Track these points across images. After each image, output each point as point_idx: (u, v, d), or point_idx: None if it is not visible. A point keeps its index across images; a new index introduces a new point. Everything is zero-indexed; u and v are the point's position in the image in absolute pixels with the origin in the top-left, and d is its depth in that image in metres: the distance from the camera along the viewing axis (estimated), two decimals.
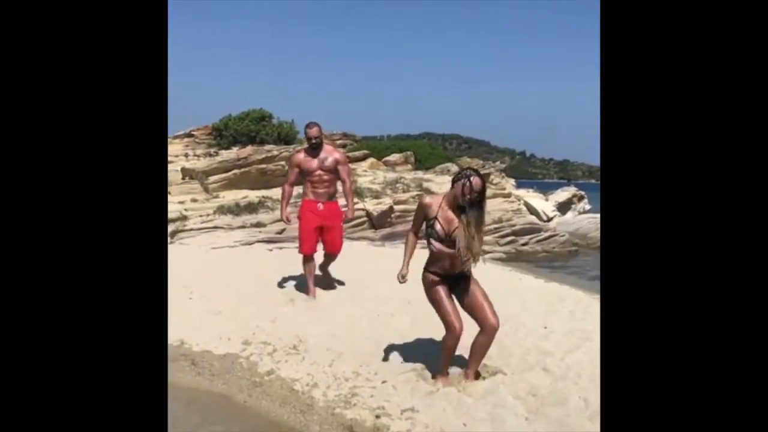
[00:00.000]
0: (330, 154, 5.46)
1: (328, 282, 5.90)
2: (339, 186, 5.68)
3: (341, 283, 6.02)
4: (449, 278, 3.56)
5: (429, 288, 3.58)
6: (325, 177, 5.42)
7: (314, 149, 5.39)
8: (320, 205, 5.42)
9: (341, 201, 5.76)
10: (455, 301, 3.59)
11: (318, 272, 5.73)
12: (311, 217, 5.40)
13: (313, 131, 5.37)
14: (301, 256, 5.56)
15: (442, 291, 3.54)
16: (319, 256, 5.68)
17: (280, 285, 5.98)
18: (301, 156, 5.48)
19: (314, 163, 5.38)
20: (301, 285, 5.81)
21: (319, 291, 5.67)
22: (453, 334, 3.53)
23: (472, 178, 3.35)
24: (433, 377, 3.67)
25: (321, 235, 5.49)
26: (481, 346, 3.60)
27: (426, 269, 3.60)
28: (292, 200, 5.82)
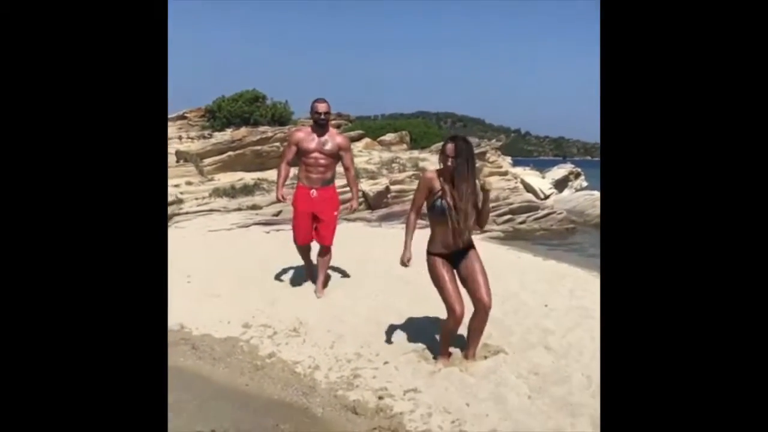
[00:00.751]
0: (332, 138, 5.03)
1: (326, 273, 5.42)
2: (338, 169, 5.28)
3: (340, 264, 5.99)
4: (452, 255, 3.52)
5: (433, 270, 3.55)
6: (322, 161, 4.98)
7: (320, 127, 4.96)
8: (313, 192, 5.00)
9: (339, 182, 5.43)
10: (458, 281, 3.56)
11: (315, 261, 5.36)
12: (303, 205, 5.04)
13: (322, 106, 4.96)
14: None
15: (445, 273, 3.49)
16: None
17: (279, 267, 5.95)
18: (301, 134, 5.04)
19: (313, 143, 4.94)
20: (300, 267, 5.77)
21: None
22: (454, 317, 3.49)
23: (446, 145, 3.36)
24: (435, 358, 3.67)
25: (315, 223, 5.12)
26: (476, 329, 3.61)
27: (429, 251, 3.57)
28: (288, 182, 5.54)
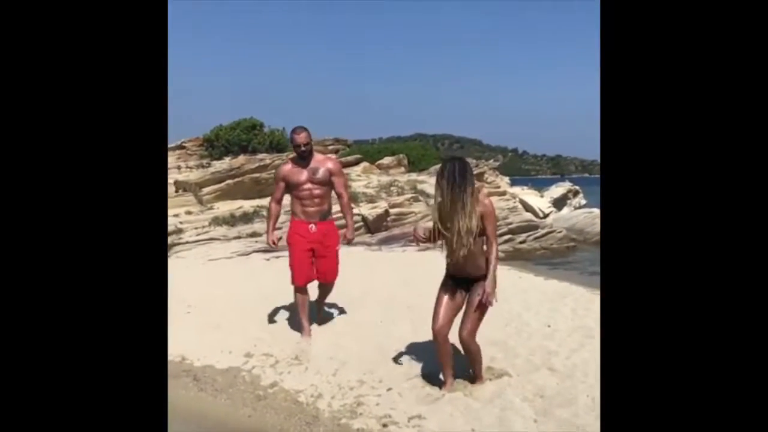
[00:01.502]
0: (321, 164, 4.58)
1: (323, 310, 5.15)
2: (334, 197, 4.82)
3: (341, 290, 5.96)
4: (463, 280, 3.49)
5: (440, 286, 3.58)
6: (316, 192, 4.54)
7: (303, 159, 4.54)
8: (312, 227, 4.56)
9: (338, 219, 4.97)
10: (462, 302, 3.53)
11: (313, 299, 4.95)
12: (301, 242, 4.57)
13: (301, 137, 4.47)
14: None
15: (444, 288, 3.53)
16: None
17: (279, 295, 5.91)
18: (288, 167, 4.60)
19: (303, 175, 4.51)
20: None
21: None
22: (432, 330, 3.50)
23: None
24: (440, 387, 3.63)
25: (314, 260, 4.67)
26: (468, 358, 3.58)
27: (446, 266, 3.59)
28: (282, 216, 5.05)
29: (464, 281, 3.49)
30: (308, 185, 4.54)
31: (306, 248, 4.58)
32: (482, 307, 3.43)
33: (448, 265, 3.50)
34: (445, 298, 3.50)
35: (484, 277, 3.43)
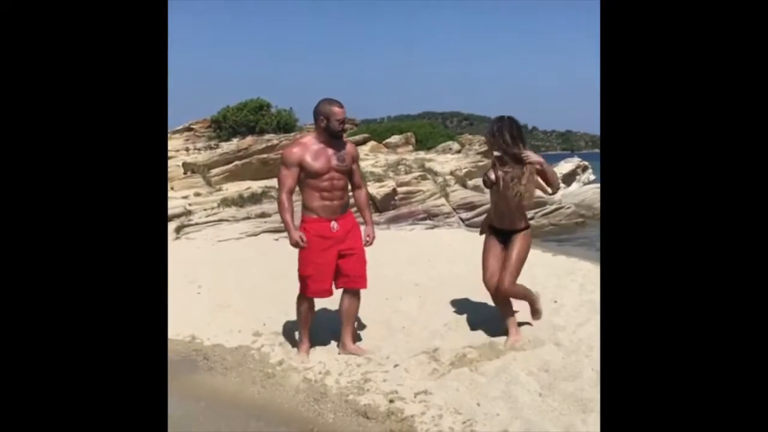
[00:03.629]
0: (343, 149, 3.73)
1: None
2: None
3: None
4: (501, 232, 3.83)
5: (485, 237, 3.97)
6: (339, 182, 3.68)
7: (338, 139, 3.67)
8: (334, 225, 3.68)
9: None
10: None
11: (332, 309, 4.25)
12: (322, 245, 3.67)
13: (343, 111, 3.62)
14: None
15: (490, 242, 3.90)
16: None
17: (289, 274, 5.94)
18: (302, 151, 3.60)
19: (322, 160, 3.60)
20: None
21: None
22: (483, 280, 3.89)
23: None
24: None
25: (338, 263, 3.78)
26: (499, 307, 3.92)
27: (485, 220, 4.03)
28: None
29: (504, 233, 3.80)
30: (332, 174, 3.63)
31: (329, 252, 3.70)
32: (521, 258, 3.80)
33: (490, 217, 3.87)
34: (491, 250, 3.86)
35: (521, 230, 3.79)
